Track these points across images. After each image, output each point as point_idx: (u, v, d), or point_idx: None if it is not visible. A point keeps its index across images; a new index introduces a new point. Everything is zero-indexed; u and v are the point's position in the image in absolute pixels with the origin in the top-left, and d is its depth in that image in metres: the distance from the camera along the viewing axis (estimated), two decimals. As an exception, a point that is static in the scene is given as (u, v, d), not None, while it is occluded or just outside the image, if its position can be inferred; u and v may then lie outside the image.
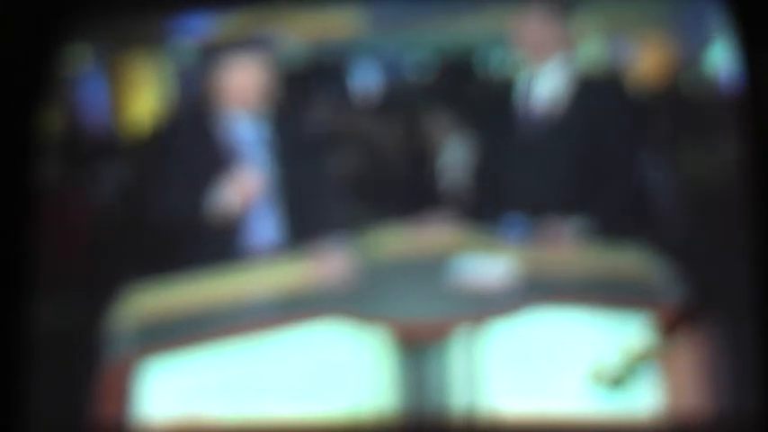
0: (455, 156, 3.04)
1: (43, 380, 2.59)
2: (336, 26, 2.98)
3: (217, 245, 2.85)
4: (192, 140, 2.90)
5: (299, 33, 2.95)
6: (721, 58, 2.74)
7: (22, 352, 2.58)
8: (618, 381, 2.60)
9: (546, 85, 2.95)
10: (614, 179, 2.89)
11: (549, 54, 2.95)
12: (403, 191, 3.01)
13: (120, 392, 2.63)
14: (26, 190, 2.65)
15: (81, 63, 2.93)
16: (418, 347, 2.65)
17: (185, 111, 2.97)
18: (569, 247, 2.82)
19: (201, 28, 2.95)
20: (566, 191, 2.89)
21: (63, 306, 2.75)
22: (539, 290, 2.70)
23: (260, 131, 2.94)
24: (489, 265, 2.78)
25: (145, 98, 2.98)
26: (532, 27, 2.95)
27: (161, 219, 2.86)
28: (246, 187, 2.86)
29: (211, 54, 2.91)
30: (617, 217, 2.86)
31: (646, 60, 2.97)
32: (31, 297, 2.62)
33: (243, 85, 2.91)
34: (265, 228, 2.90)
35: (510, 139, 2.99)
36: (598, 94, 2.93)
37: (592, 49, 2.99)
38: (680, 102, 2.94)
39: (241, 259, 2.84)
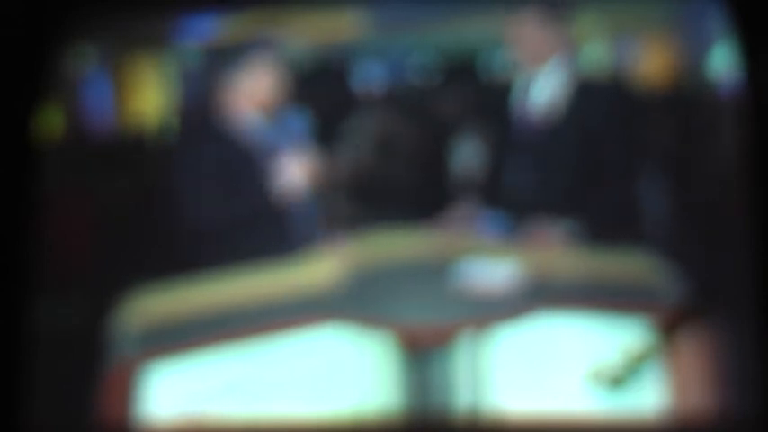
0: (459, 158, 3.04)
1: (47, 382, 2.59)
2: (340, 28, 2.99)
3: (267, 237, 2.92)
4: (209, 144, 2.94)
5: (303, 36, 2.96)
6: (724, 60, 2.74)
7: (25, 354, 2.58)
8: (618, 380, 2.61)
9: (543, 88, 2.96)
10: (612, 182, 2.89)
11: (545, 58, 2.96)
12: (407, 193, 3.01)
13: (124, 395, 2.63)
14: (29, 192, 2.65)
15: (84, 64, 2.93)
16: (422, 352, 2.65)
17: (201, 113, 3.00)
18: (558, 249, 2.83)
19: (205, 30, 2.96)
20: (562, 194, 2.89)
21: (67, 308, 2.75)
22: (542, 294, 2.70)
23: (277, 130, 2.99)
24: (492, 270, 2.78)
25: (149, 100, 2.99)
26: (528, 31, 2.94)
27: (185, 220, 2.89)
28: (308, 166, 2.95)
29: (221, 58, 2.94)
30: (613, 221, 2.87)
31: (649, 62, 2.98)
32: (35, 299, 2.61)
33: (256, 88, 2.95)
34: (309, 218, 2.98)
35: (511, 140, 3.00)
36: (596, 97, 2.93)
37: (595, 51, 2.99)
38: (682, 103, 2.95)
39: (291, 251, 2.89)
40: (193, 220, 2.89)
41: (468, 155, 3.03)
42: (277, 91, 2.95)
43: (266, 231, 2.91)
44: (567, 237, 2.84)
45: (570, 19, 2.94)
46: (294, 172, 2.93)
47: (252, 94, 2.95)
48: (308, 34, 2.96)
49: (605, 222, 2.85)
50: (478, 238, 2.93)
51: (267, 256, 2.82)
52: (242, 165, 2.92)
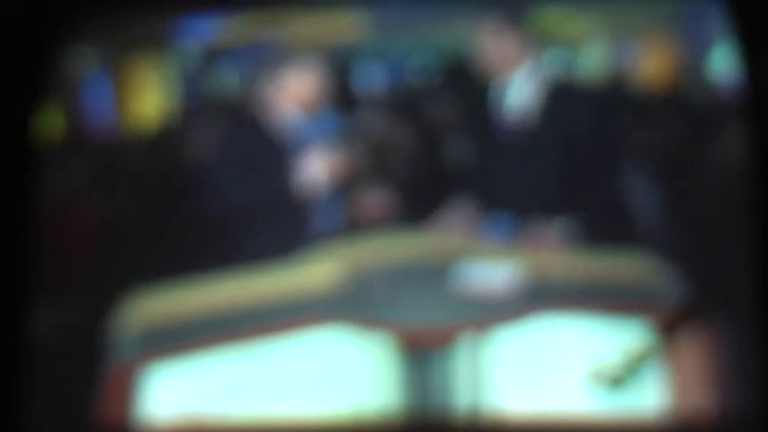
0: (458, 159, 3.04)
1: (47, 383, 2.59)
2: (340, 29, 2.99)
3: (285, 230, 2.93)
4: (243, 135, 2.97)
5: (304, 37, 2.96)
6: (724, 61, 2.75)
7: (25, 354, 2.58)
8: (618, 380, 2.61)
9: (518, 93, 2.95)
10: (606, 183, 2.89)
11: (516, 63, 2.94)
12: (406, 194, 3.01)
13: (124, 396, 2.63)
14: (29, 192, 2.65)
15: (84, 65, 2.93)
16: (422, 353, 2.65)
17: (232, 106, 3.01)
18: (558, 251, 2.83)
19: (206, 31, 2.96)
20: (547, 195, 2.89)
21: (67, 308, 2.74)
22: (542, 295, 2.70)
23: (313, 128, 3.00)
24: (492, 271, 2.78)
25: (149, 100, 2.99)
26: (492, 42, 2.93)
27: (216, 213, 2.90)
28: (334, 164, 2.96)
29: (268, 56, 2.97)
30: (612, 222, 2.87)
31: (649, 63, 2.98)
32: (35, 299, 2.62)
33: (301, 87, 2.98)
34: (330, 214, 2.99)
35: (510, 142, 3.00)
36: (570, 97, 2.92)
37: (595, 52, 3.00)
38: (682, 103, 2.95)
39: (307, 244, 2.89)
40: (210, 208, 2.89)
41: (466, 156, 3.03)
42: (320, 91, 2.97)
43: (282, 224, 2.92)
44: (566, 238, 2.84)
45: (528, 19, 2.92)
46: (317, 168, 2.94)
47: (296, 92, 2.97)
48: (308, 36, 2.96)
49: (604, 223, 2.85)
50: (478, 239, 2.92)
51: (278, 249, 2.82)
52: (271, 159, 2.93)
